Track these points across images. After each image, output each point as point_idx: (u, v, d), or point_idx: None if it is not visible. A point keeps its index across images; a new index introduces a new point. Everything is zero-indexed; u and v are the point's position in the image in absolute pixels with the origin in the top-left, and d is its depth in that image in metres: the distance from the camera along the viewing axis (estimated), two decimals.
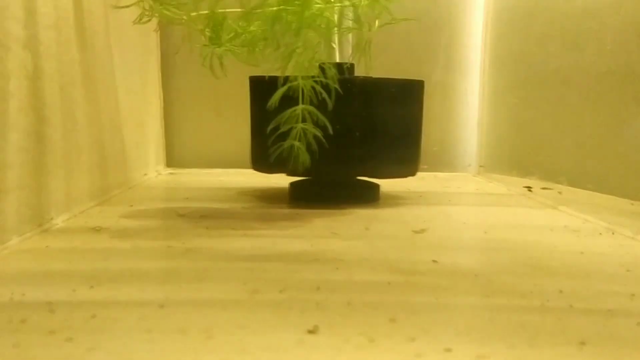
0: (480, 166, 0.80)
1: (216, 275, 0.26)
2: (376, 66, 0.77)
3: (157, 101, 0.76)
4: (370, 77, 0.53)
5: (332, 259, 0.30)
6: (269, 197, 0.54)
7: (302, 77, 0.30)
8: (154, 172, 0.71)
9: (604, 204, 0.54)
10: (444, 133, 0.85)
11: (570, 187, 0.63)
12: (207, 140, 0.83)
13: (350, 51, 0.55)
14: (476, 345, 0.19)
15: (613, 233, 0.40)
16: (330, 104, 0.32)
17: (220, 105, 0.81)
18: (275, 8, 0.26)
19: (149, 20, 0.35)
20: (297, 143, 0.31)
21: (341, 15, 0.27)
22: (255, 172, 0.52)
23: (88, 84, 0.47)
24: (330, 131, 0.33)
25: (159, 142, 0.78)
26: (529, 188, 0.62)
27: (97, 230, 0.36)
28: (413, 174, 0.55)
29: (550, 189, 0.62)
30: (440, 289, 0.26)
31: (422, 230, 0.39)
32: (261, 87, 0.47)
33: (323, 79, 0.31)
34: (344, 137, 0.50)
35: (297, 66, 0.27)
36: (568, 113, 0.65)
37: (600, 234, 0.40)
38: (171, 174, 0.72)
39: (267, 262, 0.29)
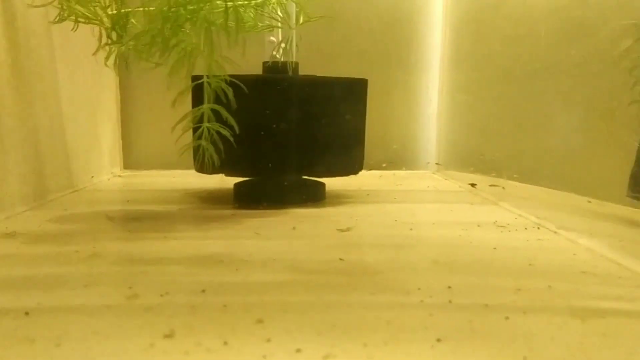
0: (436, 164, 0.80)
1: (106, 280, 0.26)
2: (337, 65, 0.78)
3: (112, 103, 0.75)
4: (310, 76, 0.53)
5: (238, 260, 0.30)
6: (214, 198, 0.54)
7: (209, 76, 0.30)
8: (108, 175, 0.70)
9: (551, 201, 0.55)
10: (405, 131, 0.85)
11: (523, 184, 0.63)
12: (168, 141, 0.83)
13: (294, 50, 0.55)
14: (330, 344, 0.19)
15: (539, 228, 0.41)
16: (233, 103, 0.32)
17: (180, 106, 0.81)
18: (166, 8, 0.26)
19: (66, 19, 0.35)
20: (203, 142, 0.31)
21: (222, 14, 0.27)
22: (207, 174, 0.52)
23: (19, 86, 0.46)
24: (237, 130, 0.33)
25: (115, 145, 0.77)
26: (473, 185, 0.62)
27: (11, 235, 0.35)
28: (356, 172, 0.55)
29: (497, 185, 0.62)
30: (330, 287, 0.26)
31: (348, 229, 0.39)
32: (199, 86, 0.47)
33: (227, 77, 0.31)
34: (284, 136, 0.50)
35: (179, 63, 0.27)
36: (513, 110, 0.65)
37: (526, 228, 0.40)
38: (126, 176, 0.72)
39: (169, 265, 0.29)
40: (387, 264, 0.30)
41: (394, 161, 0.82)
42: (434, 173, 0.77)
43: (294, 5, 0.42)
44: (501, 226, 0.41)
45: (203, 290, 0.25)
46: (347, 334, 0.20)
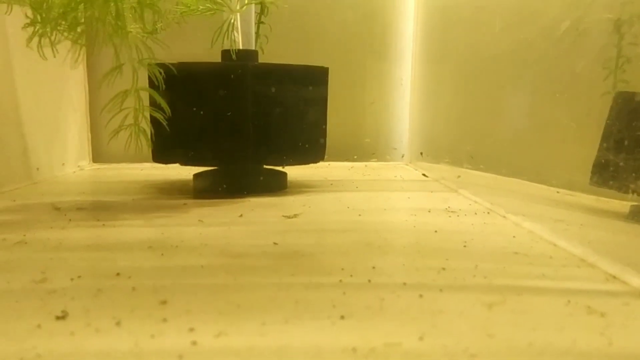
0: (402, 155, 0.80)
1: (21, 265, 0.26)
2: (310, 56, 0.77)
3: (79, 95, 0.74)
4: (267, 64, 0.52)
5: (168, 246, 0.30)
6: (175, 189, 0.53)
7: (141, 61, 0.29)
8: (74, 168, 0.69)
9: (516, 191, 0.54)
10: (379, 123, 0.85)
11: (494, 175, 0.62)
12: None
13: (253, 38, 0.54)
14: (228, 323, 0.19)
15: (489, 213, 0.40)
16: (161, 86, 0.31)
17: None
18: None
19: None
20: (135, 126, 0.30)
21: None
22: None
23: None
24: (169, 113, 0.33)
25: (83, 137, 0.76)
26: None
27: None
28: (316, 161, 0.55)
29: (459, 176, 0.62)
30: (251, 270, 0.25)
31: (295, 215, 0.39)
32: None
33: (152, 60, 0.30)
34: (240, 124, 0.49)
35: (78, 37, 0.26)
36: (482, 101, 0.65)
37: (476, 213, 0.40)
38: (93, 169, 0.71)
39: (94, 252, 0.28)
40: (320, 247, 0.29)
41: (368, 153, 0.81)
42: (406, 164, 0.77)
43: None
44: (452, 211, 0.40)
45: (117, 274, 0.24)
46: (250, 313, 0.20)
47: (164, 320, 0.19)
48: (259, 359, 0.16)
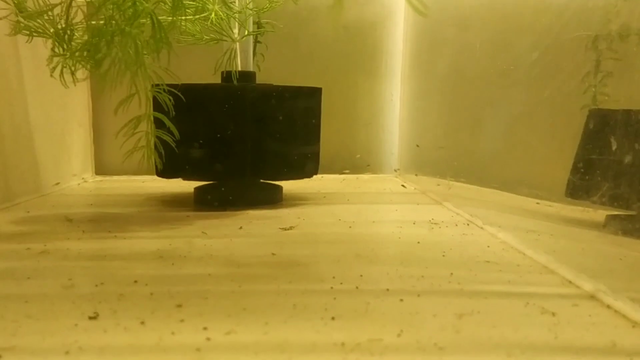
0: (395, 170, 0.83)
1: (48, 273, 0.29)
2: (304, 74, 0.81)
3: (83, 110, 0.77)
4: (264, 85, 0.56)
5: (177, 256, 0.33)
6: (176, 201, 0.56)
7: (152, 87, 0.33)
8: (78, 180, 0.72)
9: (496, 202, 0.57)
10: (370, 138, 0.89)
11: (477, 187, 0.66)
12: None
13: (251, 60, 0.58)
14: (235, 323, 0.22)
15: (468, 224, 0.44)
16: (171, 111, 0.35)
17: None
18: (101, 22, 0.29)
19: (18, 33, 0.37)
20: (145, 147, 0.33)
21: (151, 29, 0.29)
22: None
23: None
24: (177, 136, 0.36)
25: (87, 151, 0.79)
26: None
27: None
28: (309, 176, 0.58)
29: (450, 187, 0.66)
30: (253, 278, 0.29)
31: (291, 228, 0.42)
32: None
33: (164, 87, 0.33)
34: (239, 141, 0.52)
35: (105, 73, 0.29)
36: (465, 116, 0.69)
37: (456, 225, 0.43)
38: (97, 181, 0.74)
39: (111, 261, 0.32)
40: (314, 258, 0.33)
41: (360, 166, 0.85)
42: (396, 177, 0.81)
43: (236, 19, 0.44)
44: (435, 223, 0.44)
45: (135, 281, 0.27)
46: (254, 315, 0.23)
47: (181, 320, 0.22)
48: (263, 352, 0.19)
